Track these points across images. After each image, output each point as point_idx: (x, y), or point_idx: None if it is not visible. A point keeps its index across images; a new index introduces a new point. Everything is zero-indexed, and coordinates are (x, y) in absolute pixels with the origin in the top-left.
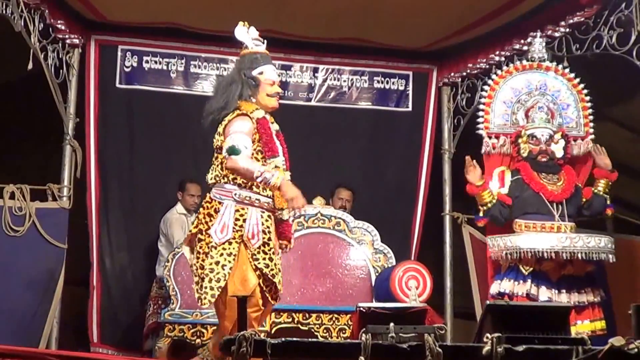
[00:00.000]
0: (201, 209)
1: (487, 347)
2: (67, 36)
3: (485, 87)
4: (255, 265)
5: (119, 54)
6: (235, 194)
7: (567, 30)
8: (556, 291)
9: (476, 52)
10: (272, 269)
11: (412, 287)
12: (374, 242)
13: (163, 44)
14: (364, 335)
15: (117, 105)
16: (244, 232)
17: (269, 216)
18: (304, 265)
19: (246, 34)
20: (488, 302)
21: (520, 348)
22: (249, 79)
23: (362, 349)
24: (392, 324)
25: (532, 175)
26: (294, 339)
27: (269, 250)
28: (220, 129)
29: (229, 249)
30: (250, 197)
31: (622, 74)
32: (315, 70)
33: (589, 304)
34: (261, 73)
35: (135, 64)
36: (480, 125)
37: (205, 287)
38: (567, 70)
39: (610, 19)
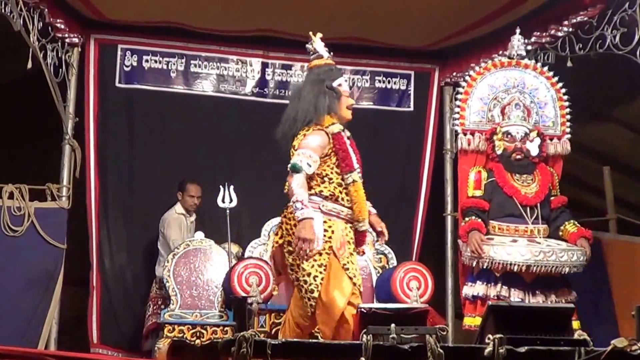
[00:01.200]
0: (284, 219)
1: (489, 348)
2: (66, 35)
3: (463, 83)
4: (347, 274)
5: (119, 53)
6: (322, 206)
7: (570, 29)
8: (530, 293)
9: (478, 52)
10: (357, 279)
11: (414, 287)
12: (375, 242)
13: (163, 43)
14: (365, 336)
15: (116, 105)
16: (333, 244)
17: (351, 227)
18: None
19: (321, 43)
20: (490, 303)
21: (522, 349)
22: (332, 91)
23: (363, 350)
24: (393, 325)
25: (506, 178)
26: (295, 339)
27: (355, 260)
28: (295, 142)
29: (320, 260)
30: (335, 209)
31: (626, 73)
32: None
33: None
34: (340, 85)
35: (135, 63)
36: (455, 122)
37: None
38: (545, 68)
39: (613, 18)
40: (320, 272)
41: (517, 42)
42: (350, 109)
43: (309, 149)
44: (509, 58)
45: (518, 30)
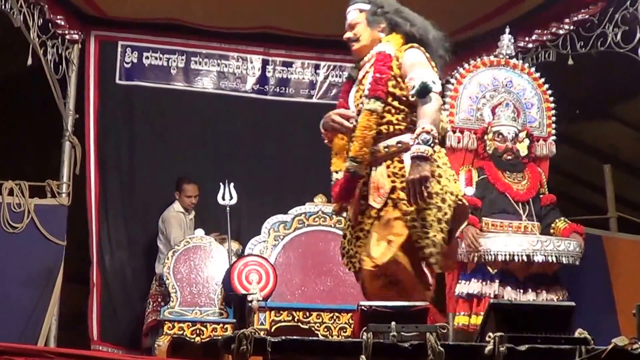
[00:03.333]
0: None
1: (489, 347)
2: (66, 32)
3: (452, 81)
4: None
5: (119, 49)
6: None
7: (572, 27)
8: (521, 290)
9: (479, 50)
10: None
11: None
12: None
13: (163, 39)
14: (365, 334)
15: (117, 102)
16: None
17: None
18: (305, 264)
19: None
20: (491, 301)
21: (523, 347)
22: None
23: (363, 348)
24: (393, 323)
25: (497, 175)
26: (294, 337)
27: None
28: None
29: None
30: None
31: (627, 72)
32: (317, 67)
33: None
34: None
35: (135, 60)
36: (446, 119)
37: None
38: (532, 69)
39: (615, 16)
40: None
41: (507, 42)
42: (348, 45)
43: None
44: (497, 57)
45: (507, 30)
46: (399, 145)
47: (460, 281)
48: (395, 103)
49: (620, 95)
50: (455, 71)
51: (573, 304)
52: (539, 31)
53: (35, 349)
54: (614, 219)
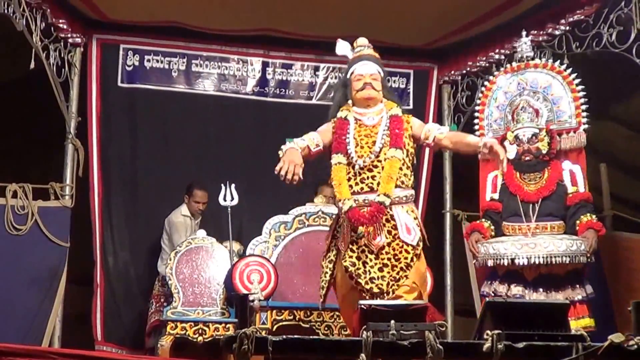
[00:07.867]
0: None
1: (487, 344)
2: (69, 35)
3: (479, 94)
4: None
5: (121, 52)
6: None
7: (567, 28)
8: (531, 290)
9: (476, 51)
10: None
11: None
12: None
13: (165, 42)
14: (364, 332)
15: (119, 104)
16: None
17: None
18: (306, 263)
19: (347, 48)
20: (487, 299)
21: (521, 345)
22: (345, 83)
23: (363, 347)
24: (393, 321)
25: (512, 178)
26: (295, 336)
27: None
28: None
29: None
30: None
31: (622, 71)
32: (316, 68)
33: (571, 303)
34: (352, 73)
35: (137, 63)
36: (476, 133)
37: None
38: (557, 63)
39: (610, 17)
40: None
41: (525, 45)
42: (363, 89)
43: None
44: (519, 61)
45: (524, 33)
46: (411, 197)
47: (485, 282)
48: (407, 160)
49: (615, 94)
50: (480, 79)
51: (568, 301)
52: (535, 32)
53: (40, 350)
54: (610, 217)
